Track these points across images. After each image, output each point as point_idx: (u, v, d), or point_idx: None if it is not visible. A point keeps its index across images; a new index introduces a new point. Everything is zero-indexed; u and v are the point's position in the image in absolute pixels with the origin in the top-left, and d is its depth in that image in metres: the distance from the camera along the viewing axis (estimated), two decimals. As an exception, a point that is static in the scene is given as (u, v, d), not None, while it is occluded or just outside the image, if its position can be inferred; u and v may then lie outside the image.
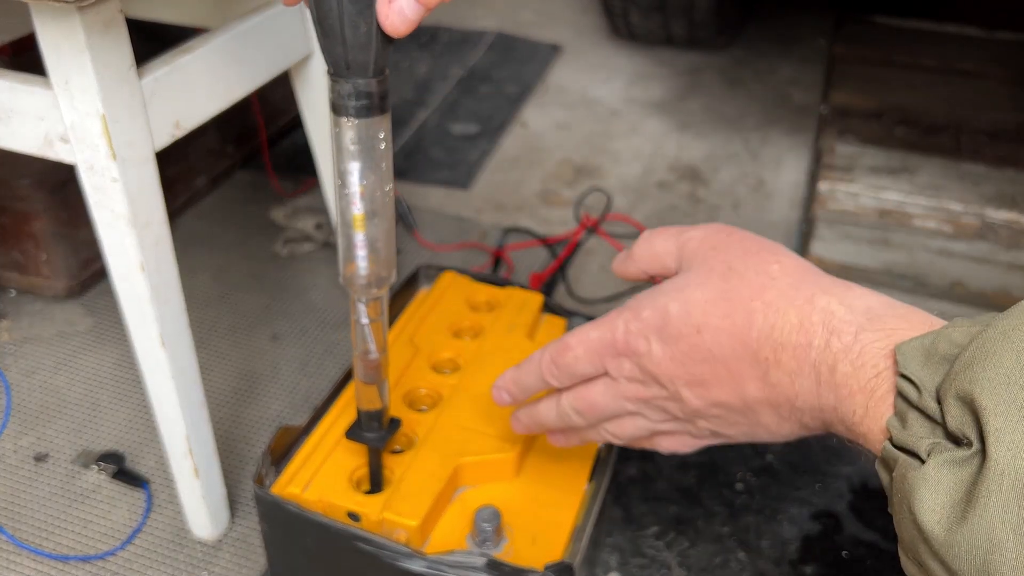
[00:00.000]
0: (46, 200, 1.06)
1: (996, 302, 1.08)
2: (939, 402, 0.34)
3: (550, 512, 0.63)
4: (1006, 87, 1.61)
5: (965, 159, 1.38)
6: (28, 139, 0.68)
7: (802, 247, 1.22)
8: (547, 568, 0.57)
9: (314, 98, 0.90)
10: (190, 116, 0.73)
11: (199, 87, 0.73)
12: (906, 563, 0.35)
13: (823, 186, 1.31)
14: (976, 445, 0.32)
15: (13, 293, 1.14)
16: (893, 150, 1.41)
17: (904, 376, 0.36)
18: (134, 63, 0.66)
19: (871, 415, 0.37)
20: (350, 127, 0.49)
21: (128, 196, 0.67)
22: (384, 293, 0.56)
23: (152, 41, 0.85)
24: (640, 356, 0.45)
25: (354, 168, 0.50)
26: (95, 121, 0.64)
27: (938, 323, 0.38)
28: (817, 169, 1.39)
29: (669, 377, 0.45)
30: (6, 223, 1.08)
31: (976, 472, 0.32)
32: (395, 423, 0.63)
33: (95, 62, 0.62)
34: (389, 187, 0.52)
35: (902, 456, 0.35)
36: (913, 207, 1.26)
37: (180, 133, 0.72)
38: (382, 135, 0.50)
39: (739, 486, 0.86)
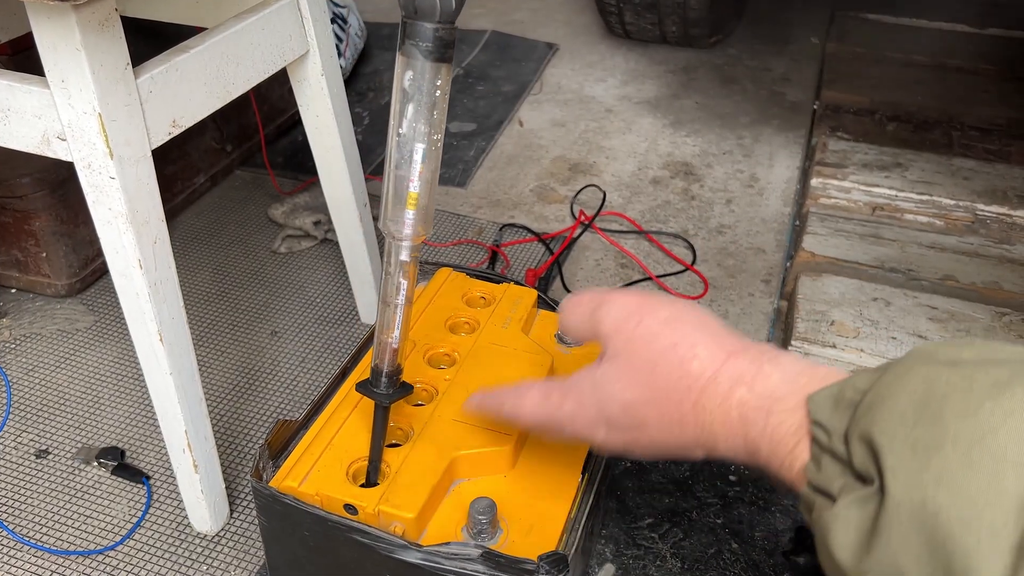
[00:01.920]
0: (46, 199, 1.07)
1: (987, 295, 1.09)
2: (846, 444, 0.37)
3: (545, 504, 0.64)
4: (997, 83, 1.62)
5: (956, 154, 1.39)
6: (27, 137, 0.69)
7: (795, 242, 1.23)
8: (541, 559, 0.58)
9: (312, 96, 0.91)
10: (187, 114, 0.73)
11: (196, 86, 0.74)
12: None
13: (816, 182, 1.32)
14: (877, 482, 0.35)
15: (14, 291, 1.15)
16: (885, 146, 1.41)
17: (816, 423, 0.40)
18: (130, 62, 0.66)
19: (797, 481, 0.42)
20: (409, 66, 0.53)
21: (126, 193, 0.68)
22: (420, 242, 0.58)
23: (150, 40, 0.86)
24: (593, 438, 0.52)
25: (408, 109, 0.54)
26: (92, 119, 0.65)
27: (844, 375, 0.42)
28: (810, 165, 1.40)
29: (622, 448, 0.51)
30: (7, 221, 1.09)
31: (878, 507, 0.34)
32: (406, 387, 0.63)
33: (91, 61, 0.63)
34: (438, 136, 0.55)
35: (818, 498, 0.39)
36: (905, 202, 1.27)
37: (177, 131, 0.73)
38: (439, 83, 0.53)
39: (732, 477, 0.87)
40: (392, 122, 0.55)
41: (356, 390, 0.63)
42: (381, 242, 1.24)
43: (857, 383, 0.39)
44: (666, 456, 0.49)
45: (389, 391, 0.62)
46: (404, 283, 0.59)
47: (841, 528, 0.36)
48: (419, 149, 0.55)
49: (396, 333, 0.60)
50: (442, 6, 0.51)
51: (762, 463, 0.44)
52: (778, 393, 0.43)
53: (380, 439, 0.63)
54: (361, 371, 0.72)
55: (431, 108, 0.54)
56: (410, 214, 0.56)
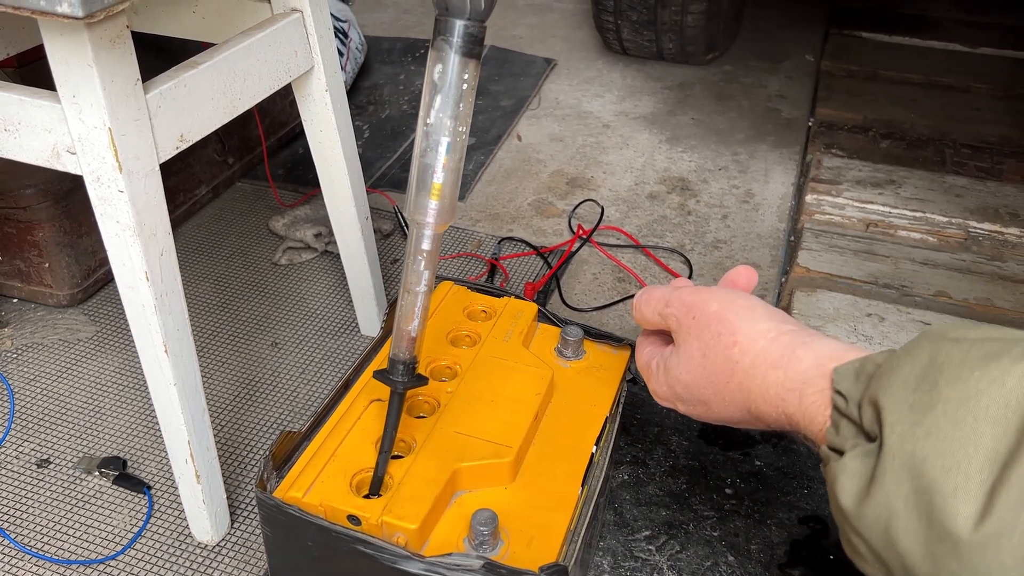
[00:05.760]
0: (50, 209, 1.07)
1: (979, 312, 1.11)
2: (859, 409, 0.43)
3: (545, 516, 0.65)
4: (989, 101, 1.65)
5: (949, 172, 1.41)
6: (37, 151, 0.70)
7: (789, 258, 1.25)
8: (542, 570, 0.58)
9: (316, 111, 0.92)
10: (194, 129, 0.75)
11: (204, 101, 0.75)
12: (844, 544, 0.43)
13: (810, 198, 1.34)
14: (879, 437, 0.40)
15: (16, 301, 1.16)
16: (879, 163, 1.43)
17: (837, 391, 0.45)
18: (140, 77, 0.68)
19: (821, 444, 0.47)
20: (439, 60, 0.56)
21: (134, 207, 0.69)
22: (442, 231, 0.60)
23: (156, 54, 0.87)
24: (676, 409, 0.60)
25: (435, 101, 0.56)
26: (102, 134, 0.66)
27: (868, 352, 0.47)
28: (804, 181, 1.42)
29: (702, 419, 0.59)
30: (10, 232, 1.10)
31: (877, 458, 0.40)
32: (421, 378, 0.65)
33: (102, 77, 0.64)
34: (463, 129, 0.57)
35: (832, 454, 0.44)
36: (898, 219, 1.29)
37: (184, 145, 0.74)
38: (466, 76, 0.56)
39: (728, 491, 0.88)
40: (421, 112, 0.57)
41: (374, 377, 0.65)
42: (382, 254, 1.25)
43: (876, 358, 0.44)
44: (740, 426, 0.56)
45: (405, 379, 0.63)
46: (426, 272, 0.61)
47: (846, 477, 0.41)
48: (444, 141, 0.57)
49: (416, 322, 0.62)
50: (473, 5, 0.54)
51: (800, 433, 0.49)
52: (808, 376, 0.48)
53: (394, 428, 0.64)
54: (363, 381, 0.73)
55: (457, 101, 0.56)
56: (433, 203, 0.58)
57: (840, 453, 0.43)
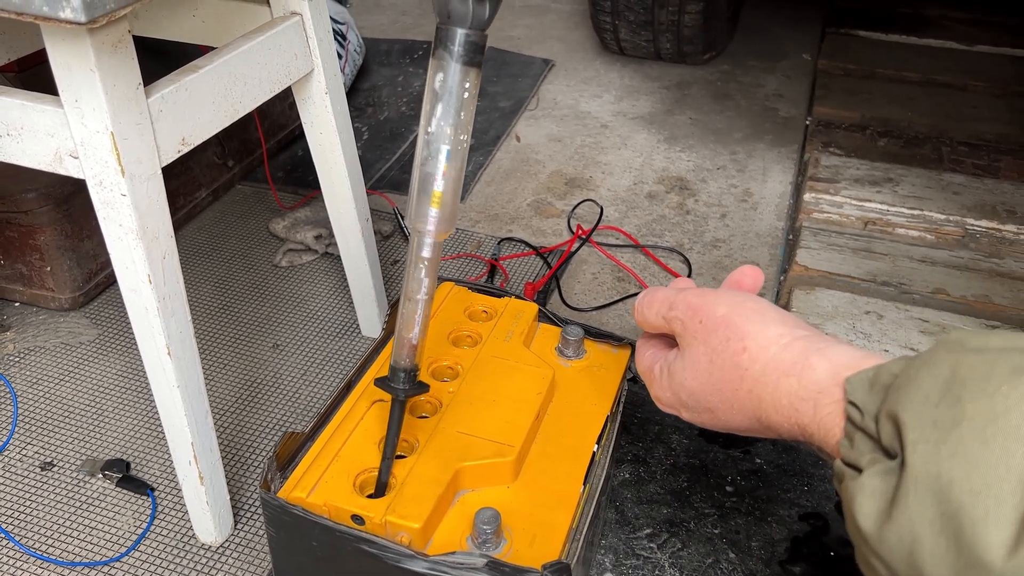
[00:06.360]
0: (51, 213, 1.08)
1: (977, 308, 1.11)
2: (876, 423, 0.40)
3: (547, 514, 0.65)
4: (986, 99, 1.65)
5: (947, 169, 1.42)
6: (39, 155, 0.70)
7: (788, 256, 1.25)
8: (545, 568, 0.59)
9: (316, 113, 0.92)
10: (196, 132, 0.75)
11: (205, 104, 0.75)
12: (862, 565, 0.41)
13: (808, 196, 1.34)
14: (900, 456, 0.38)
15: (17, 304, 1.16)
16: (876, 161, 1.44)
17: (851, 403, 0.42)
18: (142, 82, 0.68)
19: (838, 466, 0.45)
20: (440, 68, 0.56)
21: (137, 210, 0.69)
22: (443, 239, 0.60)
23: (155, 58, 0.88)
24: (680, 416, 0.58)
25: (436, 109, 0.56)
26: (104, 138, 0.66)
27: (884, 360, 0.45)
28: (802, 180, 1.43)
29: (707, 426, 0.57)
30: (12, 236, 1.10)
31: (899, 478, 0.37)
32: (423, 385, 0.65)
33: (104, 81, 0.64)
34: (464, 137, 0.57)
35: (848, 470, 0.41)
36: (896, 216, 1.29)
37: (186, 149, 0.74)
38: (467, 85, 0.56)
39: (729, 488, 0.89)
40: (422, 121, 0.57)
41: (375, 384, 0.65)
42: (382, 255, 1.25)
43: (892, 368, 0.42)
44: (748, 435, 0.54)
45: (406, 386, 0.64)
46: (426, 280, 0.61)
47: (865, 497, 0.39)
48: (444, 149, 0.57)
49: (417, 330, 0.62)
50: (475, 14, 0.54)
51: (815, 445, 0.47)
52: (823, 385, 0.46)
53: (396, 435, 0.64)
54: (365, 382, 0.73)
55: (459, 110, 0.56)
56: (434, 211, 0.58)
57: (856, 468, 0.41)
